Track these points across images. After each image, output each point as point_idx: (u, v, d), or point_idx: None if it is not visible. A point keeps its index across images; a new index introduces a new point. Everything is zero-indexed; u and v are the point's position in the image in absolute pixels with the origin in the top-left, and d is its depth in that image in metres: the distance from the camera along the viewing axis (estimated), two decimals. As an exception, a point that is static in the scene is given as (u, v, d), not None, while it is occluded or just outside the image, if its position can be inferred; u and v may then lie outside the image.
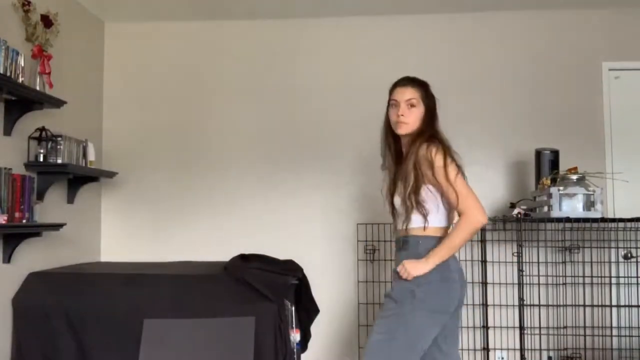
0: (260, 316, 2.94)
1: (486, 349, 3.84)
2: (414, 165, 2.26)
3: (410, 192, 2.26)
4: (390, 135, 2.43)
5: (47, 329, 3.02)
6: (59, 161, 3.33)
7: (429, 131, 2.33)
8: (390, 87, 2.44)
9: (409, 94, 2.35)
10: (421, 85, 2.39)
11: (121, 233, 4.17)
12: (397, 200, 2.33)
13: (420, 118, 2.36)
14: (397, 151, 2.44)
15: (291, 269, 3.40)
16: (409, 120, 2.33)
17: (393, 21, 4.12)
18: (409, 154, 2.31)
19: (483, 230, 3.83)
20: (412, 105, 2.34)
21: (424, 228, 2.27)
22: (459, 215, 2.24)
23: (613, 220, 3.39)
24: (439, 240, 2.26)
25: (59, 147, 3.34)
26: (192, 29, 4.24)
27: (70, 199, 3.71)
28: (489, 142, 4.01)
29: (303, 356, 3.49)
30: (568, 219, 3.26)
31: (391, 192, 2.37)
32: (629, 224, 3.43)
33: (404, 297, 2.21)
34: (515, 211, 3.47)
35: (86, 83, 4.02)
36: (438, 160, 2.23)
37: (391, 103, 2.40)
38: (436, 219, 2.29)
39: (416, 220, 2.28)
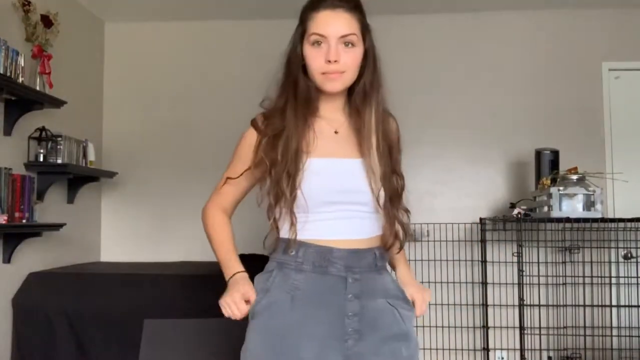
0: (260, 316, 2.93)
1: (486, 349, 3.84)
2: (388, 145, 1.52)
3: (399, 188, 1.51)
4: (301, 81, 1.51)
5: (47, 329, 3.01)
6: (59, 161, 3.32)
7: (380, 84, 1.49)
8: (307, 7, 1.48)
9: (345, 26, 1.44)
10: (360, 11, 1.52)
11: (121, 233, 4.16)
12: (366, 194, 1.47)
13: (358, 65, 1.47)
14: (309, 108, 1.52)
15: (291, 269, 3.40)
16: (348, 66, 1.44)
17: (393, 21, 4.10)
18: (369, 126, 1.48)
19: (483, 230, 3.83)
20: (352, 44, 1.45)
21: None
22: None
23: (613, 220, 3.39)
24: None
25: (59, 147, 3.33)
26: (192, 29, 4.23)
27: (70, 199, 3.71)
28: (489, 142, 4.00)
29: (303, 356, 3.49)
30: (568, 219, 3.25)
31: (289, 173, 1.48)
32: (629, 224, 3.42)
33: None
34: (515, 211, 3.46)
35: (86, 83, 4.02)
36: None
37: (312, 39, 1.44)
38: None
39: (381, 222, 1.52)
